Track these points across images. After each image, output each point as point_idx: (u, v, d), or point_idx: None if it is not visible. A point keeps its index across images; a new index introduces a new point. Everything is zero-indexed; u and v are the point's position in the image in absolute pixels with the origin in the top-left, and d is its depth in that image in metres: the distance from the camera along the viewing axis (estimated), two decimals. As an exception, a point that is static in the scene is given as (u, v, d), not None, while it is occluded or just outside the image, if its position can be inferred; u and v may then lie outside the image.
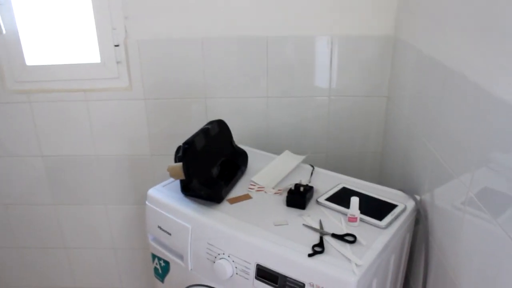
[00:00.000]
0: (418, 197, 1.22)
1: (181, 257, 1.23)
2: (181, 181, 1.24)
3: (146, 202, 1.28)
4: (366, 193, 1.24)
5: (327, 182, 1.30)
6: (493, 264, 0.82)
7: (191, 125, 1.63)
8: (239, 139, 1.52)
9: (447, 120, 1.04)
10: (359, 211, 1.10)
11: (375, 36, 1.48)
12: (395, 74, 1.49)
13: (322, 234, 1.07)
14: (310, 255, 0.99)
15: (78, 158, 1.68)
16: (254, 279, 1.07)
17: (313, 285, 0.97)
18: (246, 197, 1.24)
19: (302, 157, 1.43)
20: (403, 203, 1.19)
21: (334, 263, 0.97)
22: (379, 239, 1.06)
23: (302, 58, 1.52)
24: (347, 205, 1.14)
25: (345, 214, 1.14)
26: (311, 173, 1.36)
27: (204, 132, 1.26)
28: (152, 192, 1.28)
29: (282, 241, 1.05)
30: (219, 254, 1.12)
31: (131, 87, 1.58)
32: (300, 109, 1.59)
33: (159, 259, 1.32)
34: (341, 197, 1.22)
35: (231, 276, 1.10)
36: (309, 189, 1.21)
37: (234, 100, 1.59)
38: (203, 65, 1.54)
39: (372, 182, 1.31)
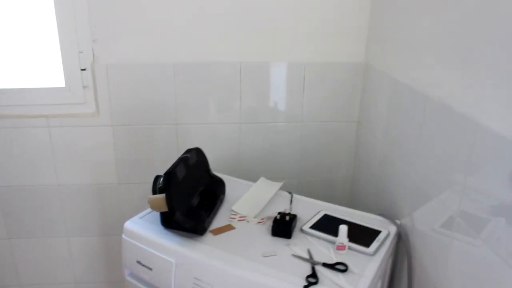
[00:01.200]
0: (398, 222, 1.25)
1: (163, 293, 1.17)
2: (162, 213, 1.19)
3: (123, 236, 1.21)
4: (348, 220, 1.25)
5: (307, 209, 1.30)
6: (476, 282, 0.85)
7: (161, 152, 1.57)
8: (212, 166, 1.49)
9: (428, 146, 1.08)
10: (347, 239, 1.11)
11: (346, 63, 1.52)
12: (365, 100, 1.54)
13: (313, 264, 1.06)
14: (305, 287, 0.98)
15: (37, 188, 1.57)
16: (245, 315, 1.03)
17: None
18: (229, 227, 1.21)
19: (279, 184, 1.42)
20: (386, 229, 1.21)
21: (331, 294, 0.97)
22: (369, 266, 1.07)
23: (275, 84, 1.53)
24: (332, 232, 1.15)
25: (331, 242, 1.14)
26: (291, 201, 1.36)
27: (184, 161, 1.22)
28: (129, 225, 1.21)
29: (274, 273, 1.03)
30: (206, 290, 1.08)
31: (98, 113, 1.50)
32: (272, 135, 1.59)
33: (138, 296, 1.25)
34: (325, 225, 1.22)
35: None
36: (293, 218, 1.20)
37: (206, 126, 1.56)
38: (174, 90, 1.50)
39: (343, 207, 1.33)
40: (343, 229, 1.10)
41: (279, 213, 1.21)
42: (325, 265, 1.06)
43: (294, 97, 1.55)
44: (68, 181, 1.57)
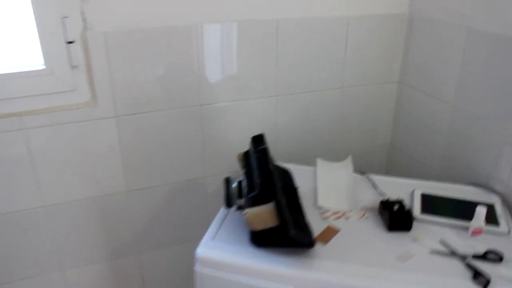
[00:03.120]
0: (498, 191, 1.11)
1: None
2: (253, 231, 0.88)
3: (197, 270, 0.89)
4: (451, 196, 1.08)
5: (393, 190, 1.10)
6: None
7: (183, 145, 1.22)
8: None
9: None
10: (485, 222, 0.94)
11: (389, 15, 1.31)
12: (412, 57, 1.34)
13: (461, 258, 0.87)
14: (479, 284, 0.80)
15: (14, 215, 1.11)
16: None
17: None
18: (333, 231, 0.96)
19: (348, 162, 1.19)
20: (490, 200, 1.07)
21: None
22: (516, 248, 0.92)
23: (314, 44, 1.25)
24: (449, 214, 0.99)
25: (455, 227, 0.96)
26: (372, 184, 1.13)
27: (265, 153, 0.92)
28: (204, 251, 0.89)
29: (427, 280, 0.82)
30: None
31: (95, 101, 1.09)
32: (310, 105, 1.33)
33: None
34: (433, 206, 1.04)
35: None
36: (403, 205, 0.99)
37: (236, 104, 1.23)
38: (196, 62, 1.14)
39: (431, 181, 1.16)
40: (481, 211, 0.93)
41: (387, 201, 0.99)
42: (475, 257, 0.88)
43: (336, 57, 1.29)
44: (56, 200, 1.14)
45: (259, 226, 0.83)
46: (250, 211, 0.82)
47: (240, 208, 0.91)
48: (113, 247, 1.26)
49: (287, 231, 0.82)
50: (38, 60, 1.02)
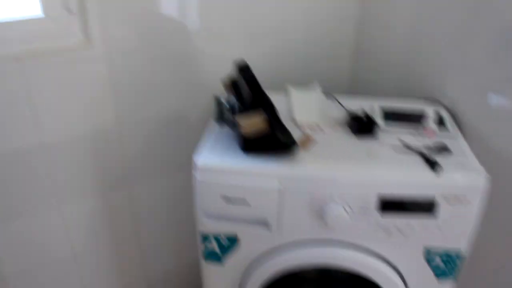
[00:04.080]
0: (446, 103, 1.29)
1: (262, 223, 1.05)
2: (242, 137, 1.02)
3: (197, 177, 1.03)
4: (406, 108, 1.25)
5: (357, 107, 1.26)
6: None
7: (168, 82, 1.34)
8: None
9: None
10: (435, 125, 1.12)
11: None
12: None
13: (418, 152, 1.06)
14: (434, 171, 0.98)
15: (12, 152, 1.20)
16: (378, 213, 1.00)
17: (446, 197, 0.98)
18: (310, 139, 1.11)
19: (316, 86, 1.35)
20: (441, 110, 1.26)
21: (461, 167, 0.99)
22: (462, 144, 1.11)
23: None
24: (404, 121, 1.16)
25: (410, 132, 1.14)
26: (338, 102, 1.30)
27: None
28: (203, 160, 1.03)
29: (393, 167, 1.00)
30: (326, 203, 1.00)
31: (89, 42, 1.18)
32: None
33: (217, 238, 1.10)
34: (391, 116, 1.21)
35: (347, 220, 1.00)
36: (369, 115, 1.16)
37: (212, 42, 1.36)
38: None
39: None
40: (430, 112, 1.11)
41: (353, 114, 1.16)
42: (431, 151, 1.06)
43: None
44: (52, 137, 1.23)
45: (253, 134, 0.97)
46: (242, 116, 0.96)
47: (230, 122, 1.05)
48: (107, 182, 1.38)
49: (276, 134, 0.97)
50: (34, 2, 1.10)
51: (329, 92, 1.34)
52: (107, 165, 1.36)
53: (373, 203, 0.99)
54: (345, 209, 0.99)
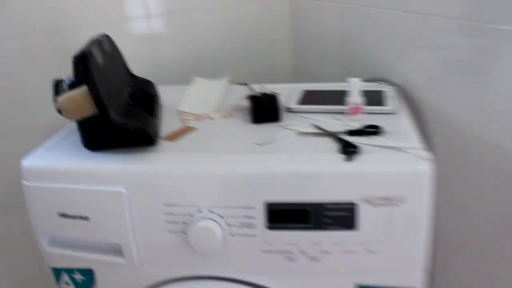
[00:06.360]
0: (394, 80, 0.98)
1: (116, 250, 0.74)
2: (84, 131, 0.74)
3: (24, 183, 0.74)
4: (336, 89, 0.94)
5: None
6: None
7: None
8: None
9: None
10: (360, 98, 0.80)
11: None
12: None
13: (331, 135, 0.74)
14: (346, 158, 0.66)
15: None
16: (266, 228, 0.68)
17: (368, 200, 0.64)
18: (188, 129, 0.81)
19: (226, 77, 1.06)
20: (384, 88, 0.94)
21: (387, 158, 0.66)
22: (402, 123, 0.79)
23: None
24: (328, 102, 0.85)
25: (336, 112, 0.83)
26: (249, 88, 0.99)
27: (98, 43, 0.78)
28: (31, 163, 0.74)
29: (289, 157, 0.68)
30: (191, 216, 0.68)
31: None
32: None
33: (70, 272, 0.79)
34: (314, 98, 0.91)
35: (224, 240, 0.68)
36: (273, 96, 0.85)
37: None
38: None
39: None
40: (353, 82, 0.79)
41: (252, 96, 0.85)
42: (352, 133, 0.74)
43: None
44: None
45: (75, 115, 0.68)
46: (60, 98, 0.67)
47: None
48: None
49: (108, 118, 0.67)
50: None
51: (245, 83, 1.04)
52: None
53: (259, 213, 0.67)
54: (219, 224, 0.68)
